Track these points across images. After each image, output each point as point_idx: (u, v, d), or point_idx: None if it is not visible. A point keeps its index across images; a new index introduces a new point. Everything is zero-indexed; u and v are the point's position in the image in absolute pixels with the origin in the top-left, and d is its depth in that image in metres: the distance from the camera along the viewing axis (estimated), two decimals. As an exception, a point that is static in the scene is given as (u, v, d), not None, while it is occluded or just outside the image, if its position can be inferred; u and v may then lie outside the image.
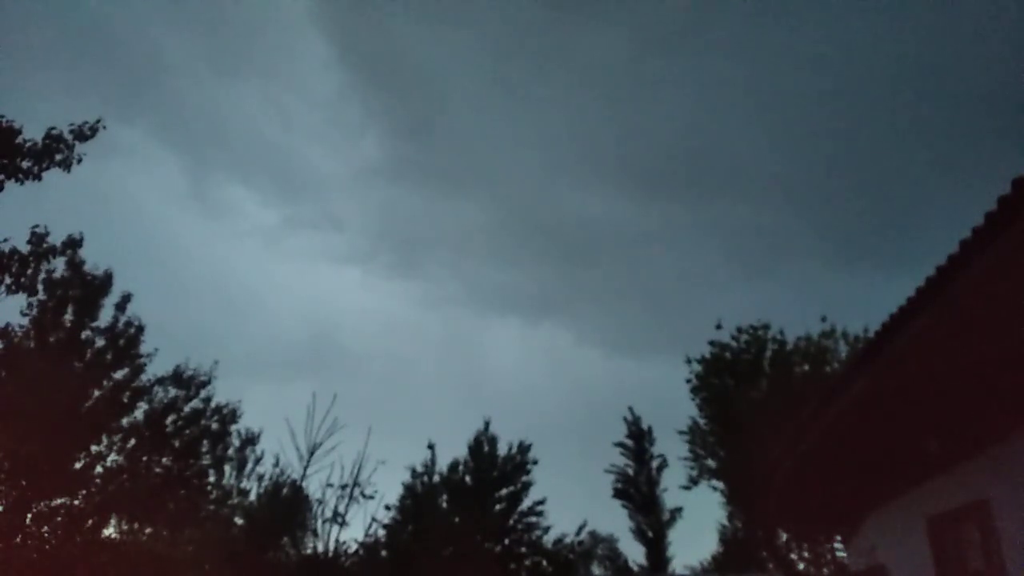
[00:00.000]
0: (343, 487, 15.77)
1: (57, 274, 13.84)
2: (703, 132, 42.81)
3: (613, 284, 49.85)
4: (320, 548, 15.86)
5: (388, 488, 19.59)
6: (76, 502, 13.68)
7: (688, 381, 21.45)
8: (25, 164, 8.38)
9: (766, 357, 20.32)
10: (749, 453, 16.47)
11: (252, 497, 19.35)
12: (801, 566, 19.79)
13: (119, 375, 14.84)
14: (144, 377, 15.18)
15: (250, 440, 20.37)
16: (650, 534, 28.23)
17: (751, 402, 19.21)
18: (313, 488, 20.25)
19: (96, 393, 14.39)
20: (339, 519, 15.75)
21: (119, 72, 37.75)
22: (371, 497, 16.23)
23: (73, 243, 13.06)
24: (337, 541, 16.02)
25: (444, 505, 23.43)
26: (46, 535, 13.09)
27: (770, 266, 45.03)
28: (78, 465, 13.99)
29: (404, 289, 52.38)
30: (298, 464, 15.58)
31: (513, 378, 49.55)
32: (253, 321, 46.47)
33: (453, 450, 26.74)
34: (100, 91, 35.01)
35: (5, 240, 8.75)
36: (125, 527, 15.66)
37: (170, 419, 15.78)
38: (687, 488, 22.13)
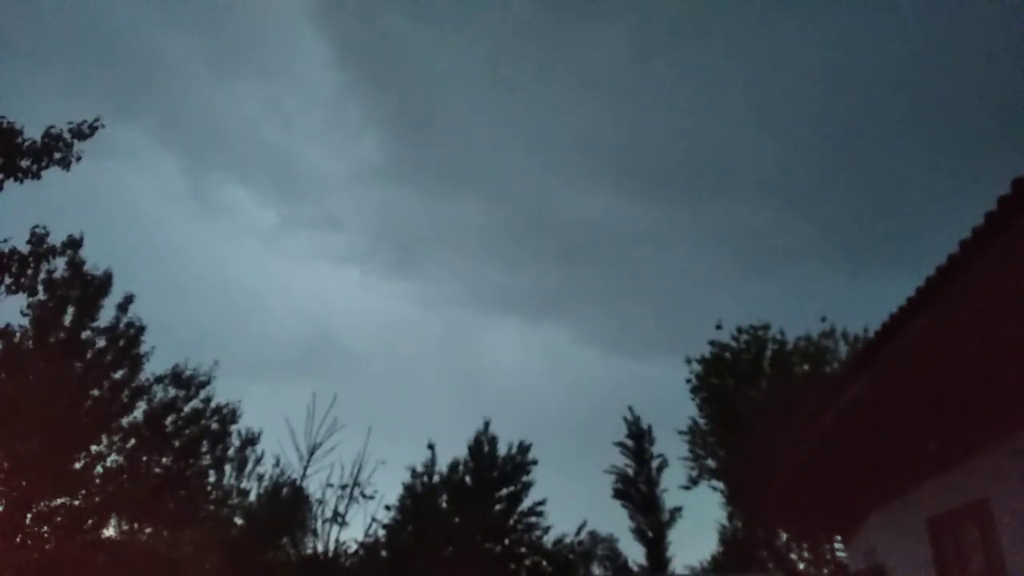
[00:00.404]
0: (343, 487, 15.80)
1: (57, 274, 13.82)
2: (703, 132, 42.89)
3: (613, 284, 49.90)
4: (320, 548, 15.89)
5: (388, 488, 19.66)
6: (76, 502, 13.68)
7: (688, 381, 21.51)
8: (24, 163, 8.37)
9: (766, 357, 20.34)
10: (749, 453, 16.50)
11: (252, 497, 19.35)
12: (801, 566, 19.80)
13: (119, 375, 14.84)
14: (143, 376, 15.21)
15: (250, 440, 20.38)
16: (650, 534, 28.18)
17: (751, 402, 19.20)
18: (313, 488, 20.29)
19: (96, 393, 14.38)
20: (339, 519, 15.78)
21: (119, 72, 37.85)
22: (371, 497, 16.29)
23: (73, 243, 13.11)
24: (337, 541, 16.08)
25: (444, 505, 23.41)
26: (46, 535, 13.09)
27: (770, 266, 45.09)
28: (78, 465, 13.98)
29: (403, 289, 52.51)
30: (298, 464, 15.64)
31: (513, 378, 49.62)
32: (253, 321, 46.54)
33: (453, 450, 26.77)
34: (100, 91, 35.09)
35: (5, 240, 8.76)
36: (125, 527, 15.66)
37: (170, 419, 15.75)
38: (687, 488, 22.20)
